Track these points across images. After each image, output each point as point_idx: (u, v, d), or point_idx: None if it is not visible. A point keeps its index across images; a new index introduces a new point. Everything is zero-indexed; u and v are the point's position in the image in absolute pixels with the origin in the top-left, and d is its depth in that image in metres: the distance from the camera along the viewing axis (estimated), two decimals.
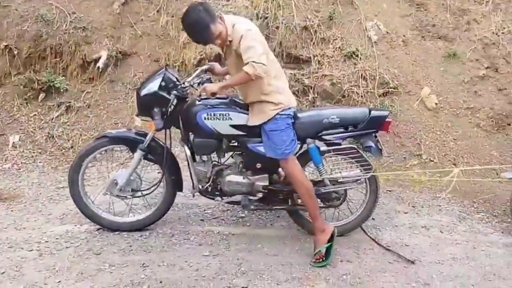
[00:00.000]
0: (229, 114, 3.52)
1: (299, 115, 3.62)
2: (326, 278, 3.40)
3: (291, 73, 6.03)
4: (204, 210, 4.33)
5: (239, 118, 3.53)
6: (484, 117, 6.00)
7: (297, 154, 3.70)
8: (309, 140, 3.66)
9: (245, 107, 3.59)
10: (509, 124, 6.04)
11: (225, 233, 3.95)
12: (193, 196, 3.95)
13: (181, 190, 3.85)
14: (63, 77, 5.88)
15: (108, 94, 5.93)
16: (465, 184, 5.10)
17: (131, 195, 3.77)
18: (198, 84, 3.56)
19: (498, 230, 4.42)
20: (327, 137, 3.68)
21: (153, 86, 3.48)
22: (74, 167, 3.71)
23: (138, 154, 3.65)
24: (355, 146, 3.75)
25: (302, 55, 6.17)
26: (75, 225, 3.96)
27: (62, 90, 5.79)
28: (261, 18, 6.18)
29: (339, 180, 3.78)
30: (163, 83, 3.48)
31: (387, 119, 3.73)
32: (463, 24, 6.64)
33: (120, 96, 5.93)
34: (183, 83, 3.57)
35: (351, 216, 4.00)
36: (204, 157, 3.74)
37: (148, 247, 3.68)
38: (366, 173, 3.74)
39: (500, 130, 5.97)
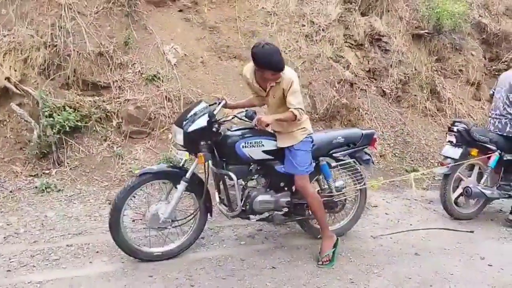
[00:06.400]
0: (261, 142, 3.90)
1: (313, 137, 4.05)
2: None
3: (90, 101, 5.64)
4: (10, 259, 3.75)
5: (269, 144, 3.93)
6: None
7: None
8: (321, 158, 4.19)
9: (271, 134, 3.99)
10: None
11: (39, 281, 3.46)
12: (230, 218, 4.10)
13: (211, 215, 4.08)
14: None
15: None
16: None
17: (170, 226, 3.86)
18: (245, 116, 3.78)
19: None
20: (335, 155, 4.27)
21: (201, 121, 3.69)
22: (118, 202, 3.64)
23: (181, 186, 3.78)
24: (353, 161, 4.34)
25: (100, 81, 5.83)
26: None
27: None
28: (49, 46, 5.68)
29: (342, 191, 4.33)
30: (208, 119, 3.70)
31: (374, 136, 4.42)
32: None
33: None
34: (222, 117, 3.95)
35: (345, 219, 4.58)
36: (231, 182, 3.89)
37: None
38: (361, 183, 4.41)
39: None
